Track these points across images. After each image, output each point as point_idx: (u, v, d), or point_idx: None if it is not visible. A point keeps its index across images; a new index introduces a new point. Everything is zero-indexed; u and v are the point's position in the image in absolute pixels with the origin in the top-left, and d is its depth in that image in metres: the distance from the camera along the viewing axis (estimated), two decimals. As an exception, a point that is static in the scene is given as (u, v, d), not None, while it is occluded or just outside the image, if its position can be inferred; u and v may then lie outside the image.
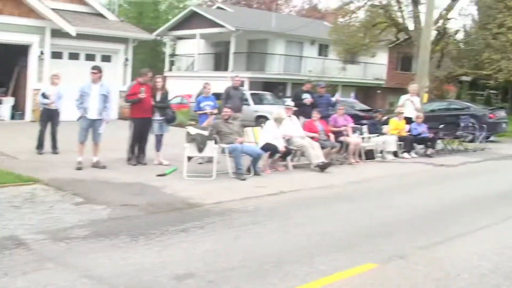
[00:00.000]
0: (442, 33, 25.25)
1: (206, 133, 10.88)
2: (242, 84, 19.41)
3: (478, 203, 9.08)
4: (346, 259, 5.75)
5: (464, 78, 43.79)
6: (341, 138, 13.49)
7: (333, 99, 15.74)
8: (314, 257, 5.76)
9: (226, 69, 35.49)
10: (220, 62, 38.31)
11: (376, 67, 41.79)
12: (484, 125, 18.87)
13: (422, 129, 15.76)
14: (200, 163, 11.74)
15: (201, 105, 13.00)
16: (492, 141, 20.84)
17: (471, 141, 18.10)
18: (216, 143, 10.84)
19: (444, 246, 6.31)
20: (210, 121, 12.19)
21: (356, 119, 21.22)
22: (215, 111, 12.82)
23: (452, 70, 27.81)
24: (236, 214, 7.74)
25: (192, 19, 37.51)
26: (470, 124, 18.61)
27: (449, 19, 28.35)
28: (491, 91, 50.67)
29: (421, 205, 8.80)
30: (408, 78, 35.63)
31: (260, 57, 36.94)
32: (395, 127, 15.19)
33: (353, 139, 13.75)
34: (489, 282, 5.17)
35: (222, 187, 9.65)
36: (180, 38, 41.07)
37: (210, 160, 10.92)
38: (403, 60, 40.07)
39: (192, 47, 39.47)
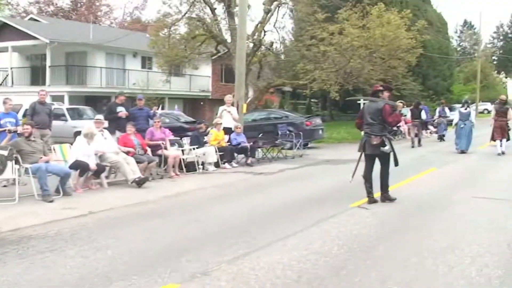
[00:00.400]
0: (258, 45, 25.97)
1: (5, 152, 9.87)
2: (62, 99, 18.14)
3: (292, 208, 9.15)
4: (146, 281, 5.31)
5: (286, 88, 45.94)
6: (159, 152, 13.07)
7: (152, 111, 15.32)
8: (112, 283, 5.26)
9: (44, 83, 33.41)
10: (37, 76, 36.00)
11: (201, 79, 42.16)
12: (301, 133, 19.65)
13: (241, 139, 15.90)
14: (4, 186, 10.65)
15: (1, 122, 11.82)
16: (310, 148, 21.81)
17: (290, 148, 18.72)
18: (17, 163, 9.86)
19: (251, 257, 6.12)
20: (7, 140, 11.10)
21: (181, 131, 21.08)
22: (17, 128, 11.72)
23: (271, 80, 28.76)
24: (34, 241, 6.96)
25: (3, 31, 34.87)
26: (288, 132, 19.24)
27: (265, 31, 29.28)
28: (312, 100, 53.98)
29: (235, 215, 8.66)
30: (231, 89, 36.43)
31: (80, 70, 35.35)
32: (215, 137, 15.13)
33: (171, 152, 13.41)
34: (291, 292, 5.05)
35: (25, 212, 8.76)
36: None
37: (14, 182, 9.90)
38: (226, 72, 40.80)
39: (5, 61, 36.68)
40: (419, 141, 23.09)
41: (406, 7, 32.60)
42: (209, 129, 16.94)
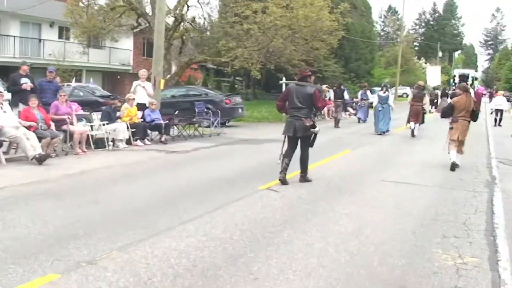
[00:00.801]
0: (180, 20, 25.20)
1: None
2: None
3: (200, 190, 8.77)
4: (24, 271, 4.80)
5: (211, 65, 45.26)
6: (64, 127, 12.33)
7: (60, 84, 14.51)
8: (-15, 274, 4.72)
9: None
10: None
11: (122, 52, 40.87)
12: (219, 111, 19.27)
13: (156, 116, 15.35)
14: None
15: None
16: (229, 126, 21.50)
17: (208, 126, 18.33)
18: None
19: (146, 244, 5.71)
20: None
21: (96, 105, 20.25)
22: None
23: (193, 56, 28.09)
24: None
25: None
26: (206, 110, 18.82)
27: (188, 6, 28.56)
28: (237, 78, 53.56)
29: (139, 197, 8.19)
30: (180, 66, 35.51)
31: (-7, 38, 33.35)
32: (127, 114, 14.50)
33: (77, 127, 12.71)
34: (182, 284, 4.68)
35: None
36: None
37: None
38: (148, 46, 39.66)
39: None
40: (338, 122, 23.36)
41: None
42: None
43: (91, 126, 13.66)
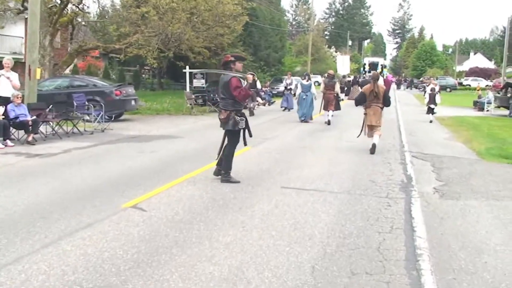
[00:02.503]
0: (65, 2, 22.49)
1: None
2: None
3: (39, 212, 6.68)
4: None
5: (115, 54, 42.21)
6: None
7: None
8: None
9: None
10: None
11: (12, 40, 37.15)
12: (103, 104, 17.02)
13: (22, 111, 12.91)
14: None
15: None
16: (121, 120, 19.27)
17: (91, 121, 16.05)
18: None
19: None
20: None
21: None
22: None
23: (83, 43, 25.38)
24: None
25: None
26: (88, 103, 16.46)
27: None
28: (146, 68, 50.66)
29: None
30: (57, 52, 32.27)
31: None
32: (-19, 109, 12.00)
33: None
34: None
35: None
36: None
37: None
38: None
39: None
40: (251, 111, 23.06)
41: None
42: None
43: None
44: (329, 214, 6.93)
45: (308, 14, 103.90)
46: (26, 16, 29.72)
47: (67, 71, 45.07)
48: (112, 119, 16.98)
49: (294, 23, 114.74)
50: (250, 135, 9.07)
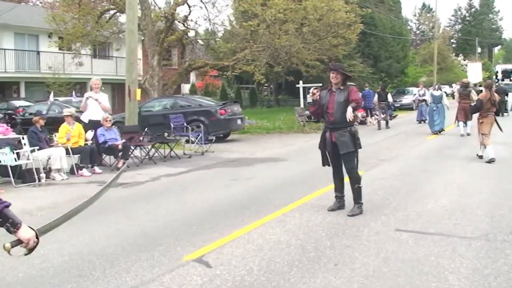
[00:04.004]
0: (171, 19, 21.82)
1: None
2: None
3: (85, 264, 5.36)
4: None
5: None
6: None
7: None
8: None
9: None
10: None
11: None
12: (212, 123, 16.02)
13: (112, 135, 12.00)
14: None
15: None
16: (227, 141, 18.14)
17: (191, 142, 14.98)
18: None
19: None
20: None
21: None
22: None
23: (192, 62, 24.70)
24: None
25: None
26: (186, 125, 15.39)
27: (190, 6, 25.26)
28: (266, 85, 49.79)
29: None
30: (169, 72, 32.24)
31: (-17, 52, 30.75)
32: (65, 134, 11.17)
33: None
34: None
35: None
36: None
37: None
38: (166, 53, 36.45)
39: None
40: (379, 123, 22.73)
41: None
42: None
43: (17, 153, 10.36)
44: (460, 275, 4.93)
45: (432, 22, 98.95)
46: (142, 38, 29.99)
47: (186, 90, 45.64)
48: (213, 140, 15.74)
49: (418, 32, 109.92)
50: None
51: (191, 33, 26.86)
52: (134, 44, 15.76)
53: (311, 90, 7.85)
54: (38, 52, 32.96)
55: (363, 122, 25.30)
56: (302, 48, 21.74)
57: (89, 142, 11.87)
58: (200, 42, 32.98)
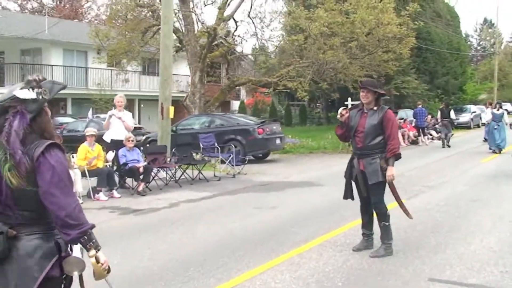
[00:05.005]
0: (213, 35, 21.14)
1: None
2: None
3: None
4: None
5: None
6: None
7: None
8: None
9: (2, 84, 29.92)
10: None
11: (179, 78, 37.57)
12: (248, 143, 15.25)
13: (134, 156, 11.25)
14: None
15: None
16: (266, 161, 17.24)
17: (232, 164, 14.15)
18: None
19: None
20: None
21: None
22: None
23: (236, 78, 23.95)
24: None
25: None
26: (215, 144, 14.52)
27: (236, 21, 24.62)
28: (318, 102, 48.70)
29: None
30: (214, 89, 31.70)
31: (33, 68, 31.05)
32: (84, 155, 10.49)
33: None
34: None
35: None
36: None
37: None
38: (210, 69, 35.94)
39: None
40: (443, 141, 22.23)
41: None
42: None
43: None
44: None
45: (494, 38, 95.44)
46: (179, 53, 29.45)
47: (236, 107, 45.04)
48: (246, 161, 14.86)
49: (479, 47, 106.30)
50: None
51: (238, 49, 26.17)
52: (168, 60, 15.12)
53: (339, 111, 6.82)
54: (86, 69, 33.09)
55: (414, 142, 23.93)
56: (349, 64, 20.61)
57: (109, 164, 11.18)
58: (251, 57, 32.32)
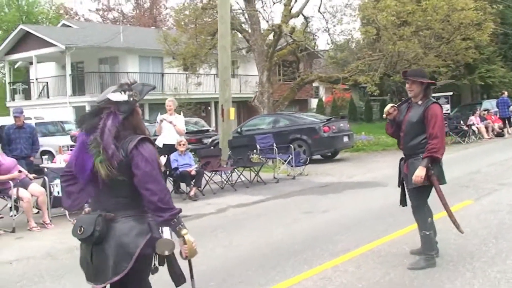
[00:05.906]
0: (278, 33, 20.56)
1: None
2: None
3: None
4: None
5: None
6: (12, 191, 8.44)
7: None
8: None
9: (83, 92, 30.79)
10: (74, 86, 33.02)
11: (255, 79, 37.33)
12: (314, 142, 14.76)
13: (186, 161, 10.94)
14: None
15: None
16: (335, 160, 16.53)
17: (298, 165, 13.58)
18: None
19: None
20: None
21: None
22: None
23: (305, 76, 23.24)
24: None
25: (27, 40, 32.10)
26: (273, 144, 13.90)
27: (306, 17, 24.00)
28: (403, 98, 46.71)
29: None
30: (285, 87, 31.16)
31: (112, 77, 31.82)
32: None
33: (33, 189, 8.73)
34: None
35: None
36: (30, 62, 35.19)
37: None
38: (281, 68, 35.40)
39: (48, 70, 34.49)
40: None
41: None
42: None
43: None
44: None
45: None
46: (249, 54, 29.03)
47: (314, 106, 44.18)
48: (307, 161, 14.20)
49: None
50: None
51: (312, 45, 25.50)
52: (227, 61, 14.77)
53: (386, 108, 6.10)
54: (162, 74, 33.53)
55: (500, 134, 22.29)
56: (424, 54, 19.43)
57: (162, 169, 10.91)
58: (324, 53, 31.51)
